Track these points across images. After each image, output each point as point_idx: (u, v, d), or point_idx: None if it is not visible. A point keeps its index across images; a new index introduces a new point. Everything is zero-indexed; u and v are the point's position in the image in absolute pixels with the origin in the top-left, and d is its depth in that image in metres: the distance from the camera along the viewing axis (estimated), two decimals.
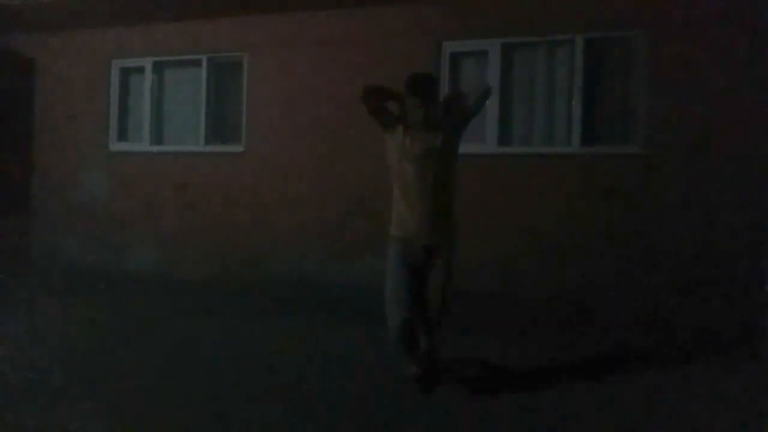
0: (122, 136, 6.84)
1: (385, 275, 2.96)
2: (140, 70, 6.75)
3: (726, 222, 4.76)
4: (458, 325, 4.28)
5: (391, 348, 3.00)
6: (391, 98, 3.04)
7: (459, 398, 2.96)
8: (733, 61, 4.78)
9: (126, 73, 6.85)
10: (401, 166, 2.93)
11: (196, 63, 6.48)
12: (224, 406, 2.81)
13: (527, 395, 3.00)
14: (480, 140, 5.55)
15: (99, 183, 6.77)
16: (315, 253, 5.86)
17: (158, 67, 6.70)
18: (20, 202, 7.03)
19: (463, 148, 5.44)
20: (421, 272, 2.94)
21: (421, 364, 2.97)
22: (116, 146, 6.80)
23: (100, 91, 6.80)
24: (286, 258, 5.95)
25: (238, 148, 6.27)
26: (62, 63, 6.89)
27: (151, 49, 6.60)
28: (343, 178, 5.77)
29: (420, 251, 2.91)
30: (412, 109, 2.89)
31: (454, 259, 2.97)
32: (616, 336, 4.13)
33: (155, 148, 6.64)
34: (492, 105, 5.49)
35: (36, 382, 3.09)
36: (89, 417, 2.65)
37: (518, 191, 5.29)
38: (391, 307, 2.87)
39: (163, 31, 6.51)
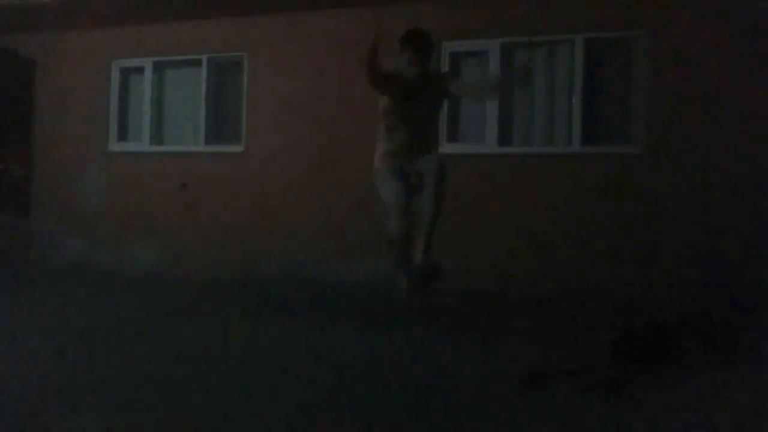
0: (122, 136, 6.84)
1: (380, 192, 3.36)
2: (140, 70, 6.75)
3: (726, 222, 4.77)
4: (458, 324, 4.29)
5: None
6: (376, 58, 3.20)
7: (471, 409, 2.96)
8: (732, 61, 4.78)
9: (126, 73, 6.86)
10: (393, 116, 3.25)
11: (196, 63, 6.48)
12: (221, 406, 2.81)
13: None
14: (480, 140, 5.56)
15: (99, 183, 6.77)
16: (315, 253, 5.86)
17: (158, 67, 6.70)
18: (20, 202, 7.03)
19: (463, 148, 5.54)
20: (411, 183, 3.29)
21: (410, 276, 3.40)
22: (116, 146, 6.80)
23: (100, 91, 6.80)
24: (286, 258, 5.95)
25: (238, 148, 6.27)
26: (62, 63, 6.90)
27: (151, 49, 6.60)
28: (343, 178, 5.77)
29: (407, 168, 3.29)
30: (406, 65, 3.12)
31: (442, 183, 3.21)
32: (616, 336, 4.13)
33: (155, 148, 6.64)
34: (492, 105, 5.49)
35: (35, 382, 3.09)
36: (88, 418, 2.65)
37: (518, 191, 5.29)
38: (390, 215, 3.26)
39: (163, 31, 6.51)
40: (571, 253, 5.12)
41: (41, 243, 7.03)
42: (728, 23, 4.80)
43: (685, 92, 4.90)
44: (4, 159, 6.97)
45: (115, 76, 6.82)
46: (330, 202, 5.82)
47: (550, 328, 4.34)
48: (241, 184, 6.20)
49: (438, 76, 3.30)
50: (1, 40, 6.93)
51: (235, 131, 6.35)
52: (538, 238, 5.20)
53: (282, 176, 6.04)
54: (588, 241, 5.08)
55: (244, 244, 6.15)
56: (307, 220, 5.92)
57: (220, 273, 6.16)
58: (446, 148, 5.53)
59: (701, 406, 2.87)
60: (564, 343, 3.94)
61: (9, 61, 6.96)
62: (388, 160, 3.34)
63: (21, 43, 6.99)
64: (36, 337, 3.93)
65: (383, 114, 3.32)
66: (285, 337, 4.03)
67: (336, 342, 3.89)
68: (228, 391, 2.99)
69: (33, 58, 7.01)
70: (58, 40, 6.89)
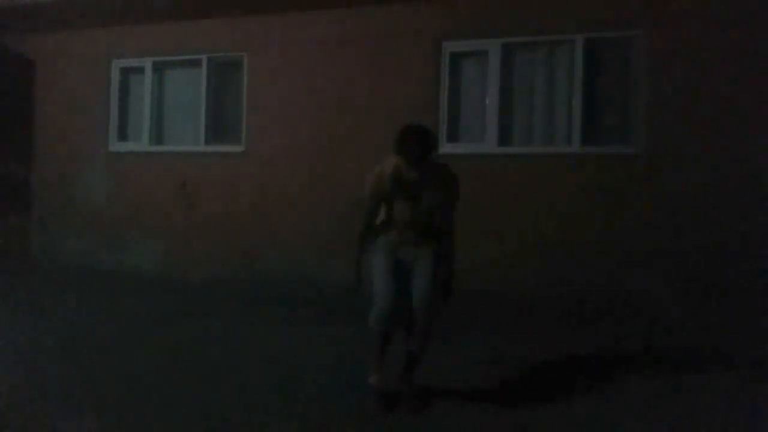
0: (122, 136, 6.84)
1: (373, 278, 2.92)
2: (140, 70, 6.75)
3: (726, 222, 4.77)
4: (458, 324, 4.29)
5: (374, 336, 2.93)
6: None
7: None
8: (733, 61, 4.78)
9: (126, 73, 6.85)
10: (392, 211, 2.91)
11: (196, 63, 6.48)
12: (220, 405, 2.81)
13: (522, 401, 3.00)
14: (480, 140, 5.55)
15: (99, 183, 6.77)
16: (315, 253, 5.86)
17: (158, 67, 6.70)
18: (20, 201, 7.03)
19: (463, 148, 5.54)
20: (406, 272, 2.90)
21: (383, 376, 2.94)
22: (116, 146, 6.80)
23: (100, 91, 6.80)
24: (286, 258, 5.95)
25: (238, 148, 6.27)
26: (62, 63, 6.90)
27: (151, 49, 6.60)
28: (343, 178, 5.77)
29: (404, 256, 2.92)
30: (404, 167, 2.76)
31: (439, 270, 2.89)
32: (615, 337, 4.13)
33: (155, 148, 6.64)
34: (492, 105, 5.50)
35: (35, 382, 3.08)
36: (88, 417, 2.65)
37: (518, 191, 5.30)
38: (377, 302, 2.85)
39: (163, 31, 6.51)
40: (570, 254, 5.12)
41: (41, 243, 7.03)
42: (728, 22, 4.80)
43: (685, 92, 4.90)
44: (4, 159, 6.97)
45: (115, 76, 6.82)
46: (330, 202, 5.82)
47: (549, 328, 4.34)
48: (241, 184, 6.20)
49: (444, 176, 2.86)
50: (1, 40, 6.93)
51: (235, 131, 6.35)
52: (537, 238, 5.20)
53: (282, 176, 6.04)
54: (588, 241, 5.08)
55: (244, 244, 6.15)
56: (308, 220, 5.92)
57: (220, 273, 6.16)
58: (446, 148, 5.53)
59: (694, 409, 2.87)
60: (559, 343, 3.95)
61: (9, 61, 6.96)
62: (386, 244, 2.95)
63: (21, 43, 6.99)
64: (36, 337, 3.93)
65: (383, 210, 2.99)
66: (284, 338, 4.04)
67: (335, 342, 3.89)
68: (227, 391, 2.99)
69: (33, 58, 7.01)
70: (58, 40, 6.89)
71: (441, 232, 2.94)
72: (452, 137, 5.64)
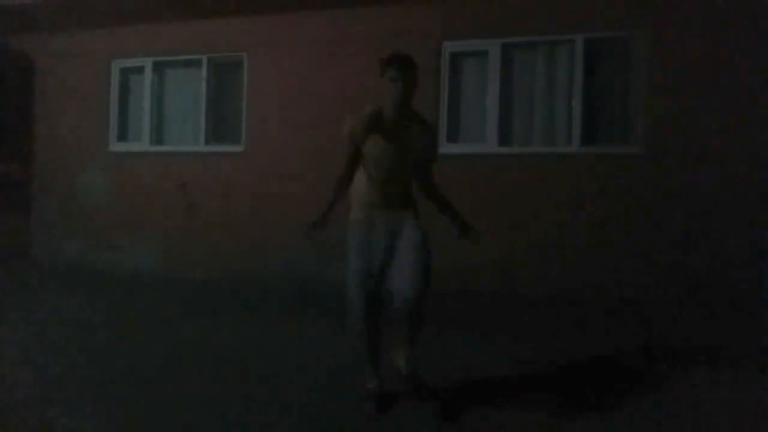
0: (122, 136, 6.84)
1: (347, 266, 2.82)
2: (140, 70, 6.75)
3: (725, 222, 4.77)
4: (457, 324, 4.29)
5: (355, 344, 2.86)
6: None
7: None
8: (733, 61, 4.78)
9: (126, 73, 6.85)
10: (372, 158, 2.87)
11: (196, 63, 6.48)
12: (219, 405, 2.81)
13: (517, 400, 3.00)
14: (480, 140, 5.55)
15: (99, 183, 6.77)
16: (314, 253, 5.85)
17: (158, 67, 6.70)
18: (20, 202, 7.04)
19: (463, 148, 5.54)
20: (388, 248, 2.80)
21: (380, 378, 2.86)
22: (116, 146, 6.79)
23: (100, 91, 6.80)
24: (286, 258, 5.95)
25: (238, 148, 6.27)
26: (62, 63, 6.89)
27: (151, 49, 6.60)
28: None
29: (383, 229, 2.85)
30: (388, 96, 2.69)
31: (427, 262, 2.74)
32: (615, 337, 4.13)
33: (155, 148, 6.64)
34: (492, 105, 5.50)
35: (35, 382, 3.08)
36: (88, 418, 2.65)
37: (518, 191, 5.30)
38: (353, 298, 2.71)
39: (163, 31, 6.51)
40: (570, 253, 5.12)
41: (41, 243, 7.03)
42: (728, 22, 4.80)
43: (684, 92, 4.90)
44: (4, 159, 6.97)
45: (115, 76, 6.82)
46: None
47: (548, 328, 4.34)
48: (241, 184, 6.20)
49: (422, 126, 2.80)
50: (1, 40, 6.94)
51: (235, 131, 6.35)
52: (538, 238, 5.20)
53: (282, 176, 6.04)
54: (587, 241, 5.08)
55: (244, 244, 6.14)
56: (307, 220, 5.89)
57: (220, 273, 6.16)
58: (446, 148, 5.53)
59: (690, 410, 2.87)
60: (559, 343, 3.94)
61: (9, 61, 6.96)
62: (362, 212, 2.98)
63: (21, 43, 6.99)
64: (35, 337, 3.93)
65: (364, 161, 2.94)
66: (284, 338, 4.03)
67: (334, 342, 3.89)
68: (225, 391, 2.99)
69: (33, 58, 7.01)
70: (58, 40, 6.89)
71: (430, 196, 2.88)
72: (452, 137, 5.64)
